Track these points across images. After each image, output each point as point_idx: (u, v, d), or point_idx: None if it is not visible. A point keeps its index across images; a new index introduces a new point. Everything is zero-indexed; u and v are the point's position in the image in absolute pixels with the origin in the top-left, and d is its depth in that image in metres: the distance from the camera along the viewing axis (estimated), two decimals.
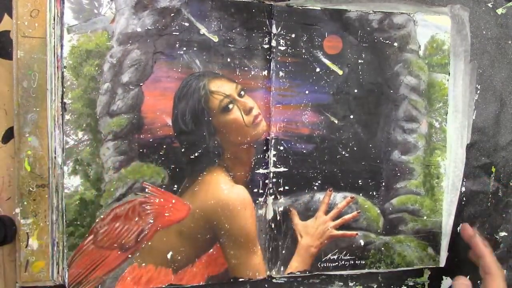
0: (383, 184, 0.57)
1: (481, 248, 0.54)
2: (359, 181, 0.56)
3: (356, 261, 0.57)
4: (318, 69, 0.54)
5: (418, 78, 0.57)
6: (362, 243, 0.57)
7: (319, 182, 0.55)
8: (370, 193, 0.57)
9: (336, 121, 0.55)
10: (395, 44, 0.56)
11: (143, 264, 0.51)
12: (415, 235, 0.58)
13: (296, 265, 0.55)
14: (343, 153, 0.56)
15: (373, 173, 0.57)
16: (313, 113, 0.55)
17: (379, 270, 0.58)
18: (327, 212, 0.56)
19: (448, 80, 0.58)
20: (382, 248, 0.57)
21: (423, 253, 0.59)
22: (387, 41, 0.56)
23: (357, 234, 0.57)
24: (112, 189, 0.49)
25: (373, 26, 0.56)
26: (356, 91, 0.56)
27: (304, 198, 0.55)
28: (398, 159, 0.57)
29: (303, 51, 0.54)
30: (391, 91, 0.57)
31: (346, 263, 0.57)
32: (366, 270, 0.57)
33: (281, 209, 0.54)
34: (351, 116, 0.56)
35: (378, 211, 0.57)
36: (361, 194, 0.57)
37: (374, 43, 0.56)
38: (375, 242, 0.57)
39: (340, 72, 0.55)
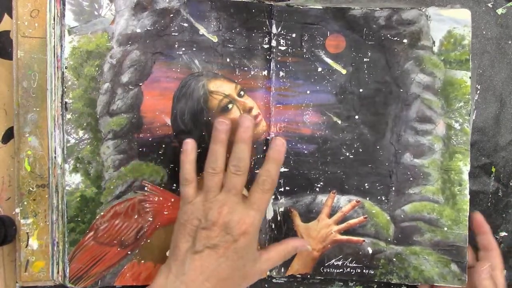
0: (393, 188, 0.53)
1: (485, 224, 0.54)
2: (366, 185, 0.53)
3: (364, 270, 0.53)
4: (320, 69, 0.53)
5: (433, 76, 0.54)
6: (370, 251, 0.53)
7: (321, 183, 0.53)
8: (378, 197, 0.53)
9: (339, 122, 0.54)
10: (405, 40, 0.53)
11: (142, 261, 0.51)
12: (433, 247, 0.53)
13: (297, 267, 0.54)
14: (347, 154, 0.53)
15: (381, 176, 0.53)
16: (315, 113, 0.53)
17: (391, 283, 0.55)
18: (330, 216, 0.54)
19: (470, 78, 0.54)
20: (394, 259, 0.53)
21: (445, 269, 0.53)
22: (396, 38, 0.53)
23: (363, 240, 0.53)
24: (112, 187, 0.50)
25: (379, 23, 0.53)
26: (361, 90, 0.53)
27: (305, 200, 0.54)
28: (410, 162, 0.53)
29: (304, 50, 0.53)
30: (401, 90, 0.54)
31: (352, 270, 0.53)
32: (376, 280, 0.54)
33: (281, 209, 0.54)
34: (356, 117, 0.53)
35: (388, 218, 0.53)
36: (368, 198, 0.53)
37: (381, 40, 0.53)
38: (385, 251, 0.53)
39: (344, 71, 0.53)
